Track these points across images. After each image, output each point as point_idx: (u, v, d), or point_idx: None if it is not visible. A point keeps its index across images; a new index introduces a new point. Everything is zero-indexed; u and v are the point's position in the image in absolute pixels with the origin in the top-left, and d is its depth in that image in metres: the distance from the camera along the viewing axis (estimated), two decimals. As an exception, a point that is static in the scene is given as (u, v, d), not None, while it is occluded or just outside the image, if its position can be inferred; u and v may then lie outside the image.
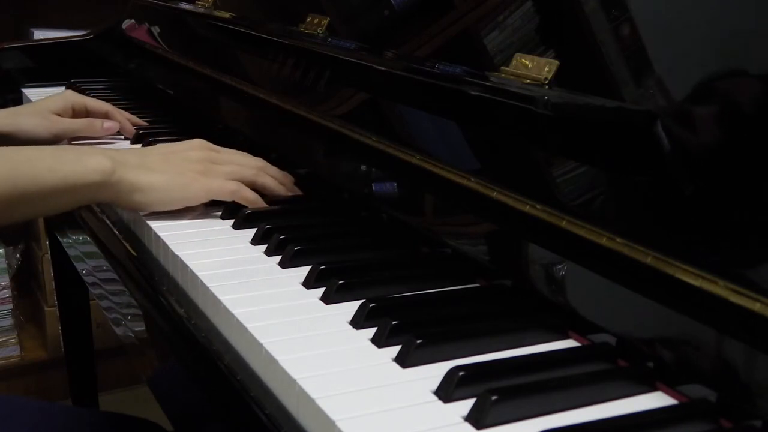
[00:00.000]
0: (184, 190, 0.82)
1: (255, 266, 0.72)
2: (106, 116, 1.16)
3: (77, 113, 1.16)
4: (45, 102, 1.15)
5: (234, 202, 0.85)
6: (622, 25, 0.66)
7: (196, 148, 0.87)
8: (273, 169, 0.90)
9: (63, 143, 1.15)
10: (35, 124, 1.11)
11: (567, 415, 0.51)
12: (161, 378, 0.81)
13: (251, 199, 0.84)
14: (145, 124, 1.19)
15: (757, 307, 0.49)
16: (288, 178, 0.91)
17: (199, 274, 0.70)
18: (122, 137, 1.17)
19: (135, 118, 1.19)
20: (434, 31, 0.85)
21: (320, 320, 0.62)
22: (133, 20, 1.60)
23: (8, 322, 2.05)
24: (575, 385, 0.53)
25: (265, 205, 0.85)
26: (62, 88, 1.47)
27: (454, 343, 0.57)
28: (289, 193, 0.89)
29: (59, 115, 1.13)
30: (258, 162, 0.89)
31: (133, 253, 0.83)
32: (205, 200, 0.84)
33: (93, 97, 1.36)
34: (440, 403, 0.51)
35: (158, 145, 0.89)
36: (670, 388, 0.53)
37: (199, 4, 1.39)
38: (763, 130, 0.55)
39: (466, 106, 0.76)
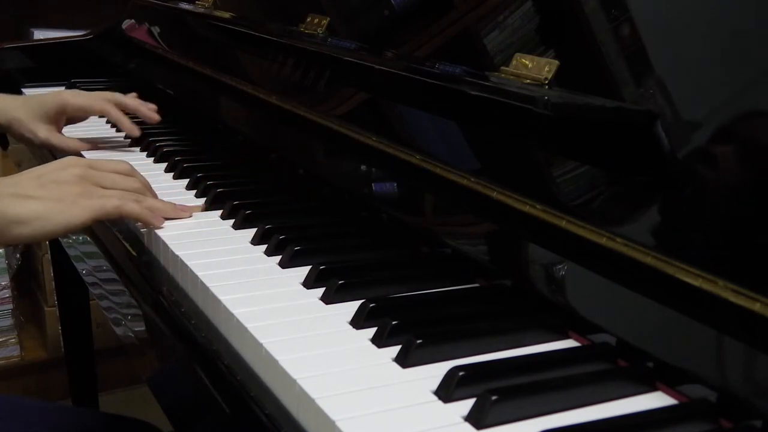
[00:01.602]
0: (66, 216, 0.76)
1: (255, 266, 0.72)
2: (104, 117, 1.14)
3: (74, 118, 1.15)
4: (38, 103, 1.11)
5: (233, 202, 0.85)
6: (622, 25, 0.66)
7: (68, 166, 0.80)
8: (150, 191, 0.84)
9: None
10: (33, 129, 1.09)
11: (567, 415, 0.51)
12: (161, 378, 0.81)
13: (137, 213, 0.79)
14: (153, 106, 1.13)
15: (757, 307, 0.49)
16: (170, 204, 0.84)
17: (199, 274, 0.70)
18: (122, 137, 1.17)
19: (148, 111, 1.12)
20: (434, 31, 0.85)
21: (320, 320, 0.62)
22: (133, 20, 1.60)
23: (8, 322, 2.05)
24: (575, 385, 0.53)
25: (161, 222, 0.81)
26: (62, 88, 1.47)
27: (454, 343, 0.57)
28: (175, 216, 0.83)
29: (52, 117, 1.11)
30: (134, 183, 0.83)
31: (133, 253, 0.83)
32: (89, 222, 0.78)
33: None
34: (440, 403, 0.51)
35: (28, 170, 0.81)
36: (670, 388, 0.53)
37: (199, 4, 1.39)
38: (763, 130, 0.55)
39: (466, 106, 0.76)
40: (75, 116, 1.15)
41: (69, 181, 0.78)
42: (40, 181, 0.78)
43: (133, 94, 1.16)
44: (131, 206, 0.79)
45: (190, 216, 0.85)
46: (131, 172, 0.85)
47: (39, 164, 0.88)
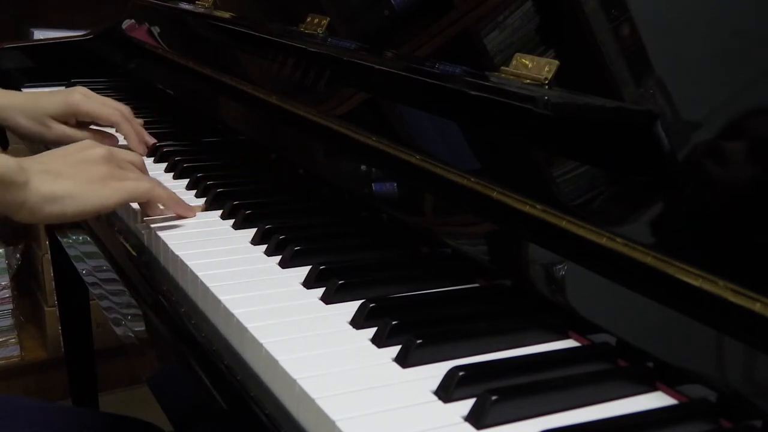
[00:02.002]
0: (98, 196, 0.77)
1: (255, 266, 0.72)
2: (113, 127, 1.09)
3: (82, 123, 1.11)
4: (46, 102, 1.06)
5: (233, 202, 0.85)
6: (622, 25, 0.66)
7: (93, 146, 0.81)
8: (163, 187, 0.84)
9: None
10: (30, 129, 1.05)
11: (567, 415, 0.51)
12: (161, 378, 0.81)
13: (165, 198, 0.81)
14: (154, 141, 1.10)
15: (757, 307, 0.49)
16: (175, 196, 0.85)
17: (199, 274, 0.70)
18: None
19: (140, 143, 1.08)
20: (434, 31, 0.85)
21: (320, 320, 0.62)
22: (133, 20, 1.60)
23: (8, 322, 2.05)
24: (575, 385, 0.53)
25: (192, 213, 0.83)
26: (62, 88, 1.47)
27: (454, 343, 0.57)
28: (183, 213, 0.84)
29: (60, 119, 1.06)
30: (151, 182, 0.84)
31: (133, 253, 0.83)
32: (121, 204, 0.80)
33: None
34: (440, 403, 0.51)
35: (50, 151, 0.82)
36: (670, 388, 0.53)
37: (199, 4, 1.39)
38: (763, 130, 0.55)
39: (466, 106, 0.76)
40: (83, 121, 1.12)
41: (96, 161, 0.79)
42: (67, 160, 0.78)
43: (140, 122, 1.12)
44: (160, 190, 0.81)
45: (194, 215, 0.85)
46: (142, 164, 0.87)
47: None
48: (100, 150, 0.81)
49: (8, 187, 0.72)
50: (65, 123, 1.08)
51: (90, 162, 0.79)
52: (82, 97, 1.07)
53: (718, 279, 0.51)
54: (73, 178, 0.77)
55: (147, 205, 0.83)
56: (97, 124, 1.11)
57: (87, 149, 0.81)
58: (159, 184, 0.84)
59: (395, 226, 0.79)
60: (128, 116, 1.09)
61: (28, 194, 0.73)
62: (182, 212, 0.84)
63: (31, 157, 0.80)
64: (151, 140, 1.09)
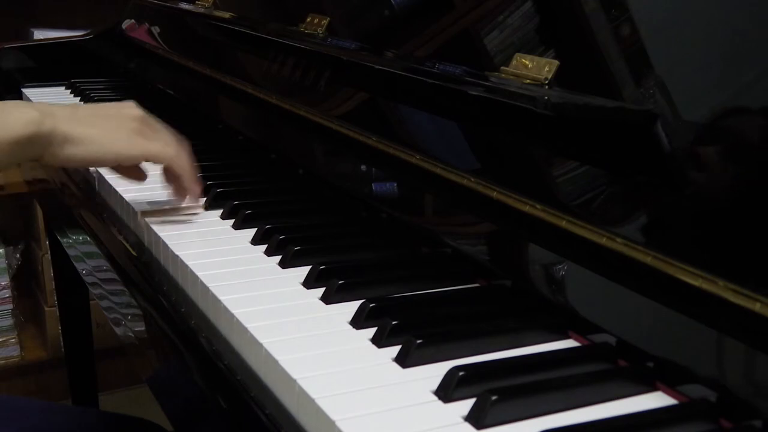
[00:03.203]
0: (119, 145, 0.79)
1: (255, 266, 0.72)
2: None
3: None
4: None
5: (234, 202, 0.85)
6: (622, 25, 0.66)
7: (130, 107, 0.83)
8: (187, 158, 0.86)
9: None
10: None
11: (567, 415, 0.51)
12: (161, 378, 0.81)
13: (187, 168, 0.82)
14: None
15: (757, 307, 0.49)
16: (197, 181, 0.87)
17: (199, 274, 0.70)
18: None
19: None
20: (434, 31, 0.85)
21: (320, 320, 0.62)
22: (133, 20, 1.60)
23: (8, 322, 2.05)
24: (575, 385, 0.53)
25: (198, 190, 0.84)
26: (62, 88, 1.48)
27: (454, 343, 0.57)
28: (194, 190, 0.85)
29: None
30: (177, 145, 0.85)
31: (133, 253, 0.83)
32: (140, 160, 0.82)
33: (92, 96, 1.37)
34: (440, 403, 0.51)
35: (91, 104, 0.86)
36: (670, 388, 0.53)
37: (199, 4, 1.39)
38: (763, 130, 0.55)
39: (466, 106, 0.76)
40: None
41: (127, 117, 0.81)
42: (97, 111, 0.81)
43: None
44: (184, 161, 0.81)
45: (198, 202, 0.86)
46: (175, 139, 0.86)
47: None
48: (135, 110, 0.82)
49: (33, 139, 0.75)
50: None
51: (120, 117, 0.81)
52: None
53: (718, 279, 0.51)
54: (97, 127, 0.79)
55: (165, 173, 0.84)
56: None
57: (122, 107, 0.83)
58: (185, 156, 0.84)
59: (395, 226, 0.79)
60: None
61: (51, 139, 0.76)
62: (194, 192, 0.85)
63: (62, 104, 0.82)
64: None
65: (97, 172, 0.99)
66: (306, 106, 0.96)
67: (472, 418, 0.49)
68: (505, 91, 0.71)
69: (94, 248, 0.95)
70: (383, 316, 0.60)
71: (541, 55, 0.71)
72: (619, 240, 0.57)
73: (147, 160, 0.83)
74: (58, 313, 1.78)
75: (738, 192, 0.55)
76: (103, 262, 0.91)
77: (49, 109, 0.78)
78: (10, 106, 0.78)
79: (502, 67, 0.73)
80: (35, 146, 0.76)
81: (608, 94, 0.66)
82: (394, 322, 0.58)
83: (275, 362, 0.56)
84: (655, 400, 0.53)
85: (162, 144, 0.82)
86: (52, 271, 1.80)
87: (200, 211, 0.87)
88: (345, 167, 0.90)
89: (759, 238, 0.52)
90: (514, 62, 0.72)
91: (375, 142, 0.83)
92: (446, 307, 0.65)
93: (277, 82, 1.05)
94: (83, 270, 1.11)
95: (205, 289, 0.68)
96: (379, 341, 0.58)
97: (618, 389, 0.53)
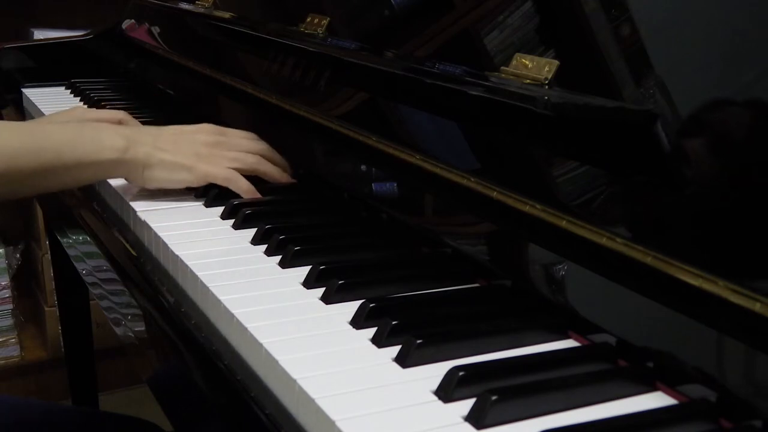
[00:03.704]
0: (187, 172, 0.87)
1: (255, 266, 0.72)
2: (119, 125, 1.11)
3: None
4: (55, 118, 1.09)
5: (233, 202, 0.85)
6: (622, 25, 0.66)
7: (204, 132, 0.91)
8: (276, 156, 0.94)
9: None
10: None
11: (567, 415, 0.51)
12: (161, 378, 0.81)
13: (244, 188, 0.88)
14: None
15: (757, 307, 0.49)
16: (286, 165, 0.95)
17: (199, 274, 0.70)
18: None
19: None
20: (434, 31, 0.85)
21: (320, 320, 0.62)
22: (133, 20, 1.60)
23: (8, 322, 2.05)
24: (575, 385, 0.53)
25: (259, 196, 0.88)
26: (62, 88, 1.48)
27: (454, 343, 0.57)
28: (288, 180, 0.93)
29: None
30: (261, 147, 0.93)
31: (133, 253, 0.83)
32: (203, 183, 0.88)
33: (92, 96, 1.37)
34: (440, 403, 0.51)
35: (170, 126, 0.93)
36: (670, 388, 0.53)
37: (199, 4, 1.39)
38: (763, 130, 0.55)
39: (466, 106, 0.76)
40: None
41: (201, 143, 0.89)
42: (175, 138, 0.89)
43: None
44: (240, 183, 0.88)
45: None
46: (258, 140, 0.95)
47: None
48: (206, 137, 0.91)
49: (115, 164, 0.85)
50: None
51: (194, 142, 0.89)
52: (83, 109, 1.14)
53: (718, 279, 0.51)
54: (171, 153, 0.87)
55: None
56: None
57: (196, 133, 0.91)
58: (264, 155, 0.93)
59: (395, 226, 0.79)
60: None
61: (132, 165, 0.86)
62: (280, 180, 0.92)
63: (149, 128, 0.92)
64: None
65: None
66: (306, 106, 0.96)
67: (472, 418, 0.49)
68: (505, 91, 0.71)
69: (94, 248, 0.95)
70: (383, 316, 0.60)
71: (541, 55, 0.71)
72: (619, 240, 0.57)
73: (212, 182, 0.89)
74: (58, 313, 1.78)
75: (738, 192, 0.55)
76: (103, 262, 0.91)
77: (136, 136, 0.87)
78: (102, 131, 0.87)
79: (502, 67, 0.73)
80: (117, 170, 0.87)
81: (608, 94, 0.66)
82: (394, 322, 0.58)
83: (275, 362, 0.56)
84: (655, 400, 0.53)
85: (220, 168, 0.88)
86: (52, 271, 1.80)
87: (201, 210, 0.87)
88: (345, 167, 0.90)
89: (759, 238, 0.52)
90: (514, 62, 0.72)
91: (375, 142, 0.83)
92: (446, 307, 0.65)
93: (277, 82, 1.05)
94: (83, 270, 1.11)
95: (205, 289, 0.68)
96: (379, 341, 0.58)
97: (618, 389, 0.53)
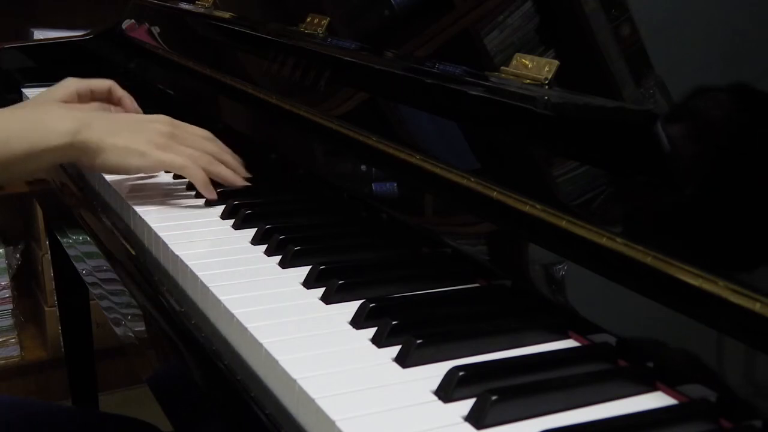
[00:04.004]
0: (141, 158, 0.86)
1: (255, 266, 0.72)
2: (109, 92, 1.13)
3: (82, 97, 1.14)
4: (49, 93, 1.12)
5: (233, 202, 0.85)
6: (622, 25, 0.66)
7: (160, 122, 0.90)
8: (229, 158, 0.93)
9: None
10: None
11: (567, 415, 0.51)
12: (161, 378, 0.81)
13: (200, 179, 0.87)
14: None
15: (757, 307, 0.49)
16: (240, 168, 0.93)
17: (199, 274, 0.70)
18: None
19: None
20: (434, 31, 0.85)
21: (320, 320, 0.62)
22: (133, 20, 1.60)
23: (8, 322, 2.05)
24: (575, 385, 0.53)
25: (213, 190, 0.88)
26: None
27: (454, 343, 0.57)
28: (241, 183, 0.91)
29: (66, 102, 1.11)
30: (215, 147, 0.92)
31: (133, 253, 0.83)
32: (157, 170, 0.90)
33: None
34: (440, 403, 0.51)
35: (124, 113, 0.94)
36: (670, 388, 0.53)
37: (199, 4, 1.39)
38: (763, 131, 0.55)
39: (466, 106, 0.76)
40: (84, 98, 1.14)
41: (156, 132, 0.88)
42: (131, 125, 0.88)
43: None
44: (196, 172, 0.87)
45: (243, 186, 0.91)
46: (212, 138, 0.94)
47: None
48: (162, 126, 0.89)
49: (66, 148, 0.83)
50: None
51: (150, 131, 0.88)
52: (75, 78, 1.13)
53: (718, 279, 0.51)
54: (125, 139, 0.86)
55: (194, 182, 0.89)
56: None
57: (153, 122, 0.90)
58: (217, 155, 0.91)
59: (395, 226, 0.79)
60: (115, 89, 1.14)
61: (84, 149, 0.84)
62: (235, 184, 0.91)
63: (102, 113, 0.93)
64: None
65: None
66: (306, 106, 0.96)
67: (472, 418, 0.49)
68: (505, 91, 0.71)
69: (94, 248, 0.95)
70: (383, 316, 0.60)
71: (541, 55, 0.71)
72: (619, 240, 0.57)
73: (166, 171, 0.90)
74: (58, 313, 1.78)
75: (738, 192, 0.55)
76: (103, 262, 0.91)
77: (88, 119, 0.86)
78: (53, 115, 0.86)
79: (502, 67, 0.73)
80: (68, 154, 0.85)
81: (608, 94, 0.66)
82: (394, 322, 0.58)
83: (275, 362, 0.56)
84: (655, 400, 0.53)
85: (175, 155, 0.87)
86: (52, 271, 1.80)
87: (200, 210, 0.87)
88: (345, 167, 0.90)
89: (759, 238, 0.52)
90: (514, 62, 0.72)
91: (375, 142, 0.83)
92: (446, 307, 0.65)
93: (277, 82, 1.05)
94: (83, 270, 1.11)
95: (205, 289, 0.68)
96: (379, 341, 0.58)
97: (618, 389, 0.53)
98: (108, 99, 1.12)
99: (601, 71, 0.67)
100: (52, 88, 1.13)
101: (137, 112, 1.13)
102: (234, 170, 0.92)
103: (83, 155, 0.85)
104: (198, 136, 0.92)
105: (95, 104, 1.11)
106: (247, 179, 0.97)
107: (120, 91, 1.13)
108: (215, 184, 0.89)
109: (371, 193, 0.83)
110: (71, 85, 1.12)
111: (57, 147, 0.83)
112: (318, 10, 1.04)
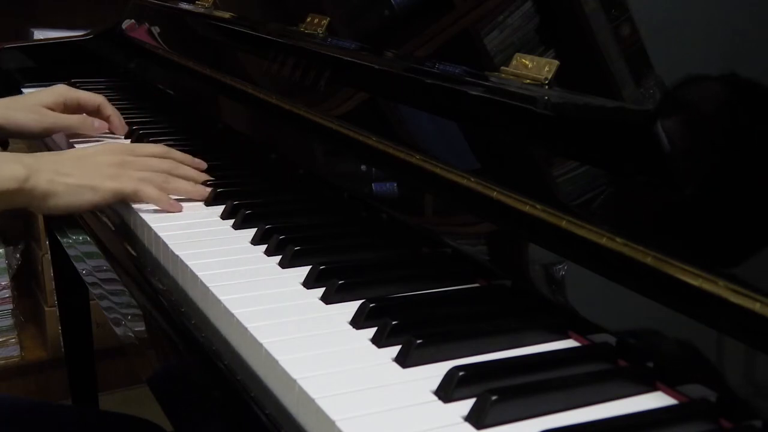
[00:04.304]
0: (92, 192, 0.85)
1: (255, 266, 0.72)
2: (98, 110, 1.14)
3: (69, 108, 1.15)
4: (37, 95, 1.13)
5: (233, 202, 0.85)
6: (622, 25, 0.66)
7: (107, 152, 0.89)
8: (188, 170, 0.92)
9: (56, 137, 1.15)
10: (26, 118, 1.09)
11: (567, 415, 0.51)
12: (161, 378, 0.81)
13: (155, 197, 0.86)
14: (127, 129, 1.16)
15: (757, 307, 0.49)
16: (201, 177, 0.92)
17: (199, 274, 0.70)
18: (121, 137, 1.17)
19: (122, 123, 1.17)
20: (434, 31, 0.85)
21: (320, 320, 0.62)
22: (133, 20, 1.60)
23: (8, 322, 2.05)
24: (575, 385, 0.53)
25: (176, 205, 0.87)
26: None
27: (454, 343, 0.57)
28: (202, 197, 0.89)
29: (51, 108, 1.11)
30: (169, 164, 0.91)
31: (133, 253, 0.83)
32: (110, 201, 0.87)
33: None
34: (440, 403, 0.51)
35: (70, 150, 0.92)
36: (670, 388, 0.53)
37: (199, 4, 1.39)
38: (763, 131, 0.55)
39: (466, 106, 0.76)
40: (71, 109, 1.15)
41: (105, 164, 0.87)
42: (79, 161, 0.87)
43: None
44: (148, 191, 0.86)
45: (204, 198, 0.90)
46: (166, 154, 0.93)
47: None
48: (112, 157, 0.88)
49: (16, 193, 0.82)
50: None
51: (99, 164, 0.87)
52: (66, 87, 1.16)
53: (718, 279, 0.51)
54: (75, 177, 0.84)
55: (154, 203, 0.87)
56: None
57: (101, 154, 0.89)
58: (171, 173, 0.90)
59: (395, 226, 0.79)
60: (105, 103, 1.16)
61: (34, 193, 0.83)
62: (195, 197, 0.90)
63: (49, 154, 0.89)
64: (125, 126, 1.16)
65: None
66: (306, 106, 0.96)
67: (472, 418, 0.49)
68: (505, 91, 0.71)
69: (94, 248, 0.95)
70: (383, 316, 0.60)
71: (541, 55, 0.71)
72: (619, 240, 0.57)
73: (123, 200, 0.87)
74: (58, 313, 1.78)
75: (738, 192, 0.55)
76: (103, 262, 0.91)
77: (36, 163, 0.84)
78: (1, 161, 0.83)
79: (502, 67, 0.73)
80: (18, 199, 0.83)
81: (608, 94, 0.66)
82: (394, 322, 0.58)
83: (275, 362, 0.56)
84: (655, 400, 0.53)
85: (126, 182, 0.86)
86: (52, 271, 1.80)
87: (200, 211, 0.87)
88: (345, 167, 0.90)
89: (759, 238, 0.52)
90: (514, 62, 0.72)
91: (375, 142, 0.83)
92: (446, 307, 0.65)
93: (277, 82, 1.05)
94: (83, 270, 1.11)
95: (205, 289, 0.68)
96: (379, 341, 0.58)
97: (618, 389, 0.53)
98: (95, 114, 1.14)
99: (601, 71, 0.67)
100: (40, 91, 1.15)
101: (123, 131, 1.15)
102: (194, 179, 0.91)
103: (33, 200, 0.83)
104: (151, 155, 0.91)
105: (79, 117, 1.13)
106: (247, 179, 0.98)
107: (109, 110, 1.15)
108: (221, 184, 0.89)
109: (371, 193, 0.83)
110: (61, 93, 1.13)
111: (5, 192, 0.81)
112: (318, 10, 1.04)
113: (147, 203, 0.86)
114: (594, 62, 0.68)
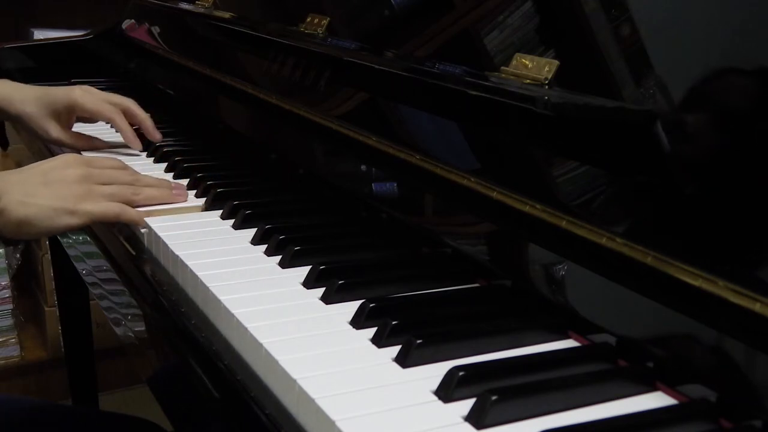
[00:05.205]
0: (70, 216, 0.82)
1: (255, 266, 0.72)
2: (126, 111, 1.11)
3: (83, 118, 1.14)
4: (53, 94, 1.10)
5: (233, 202, 0.85)
6: (622, 25, 0.66)
7: (71, 165, 0.86)
8: (150, 179, 0.90)
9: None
10: (38, 116, 1.08)
11: (567, 415, 0.51)
12: (161, 378, 0.81)
13: (135, 218, 0.84)
14: (160, 136, 1.12)
15: (757, 307, 0.49)
16: (162, 183, 0.90)
17: (199, 274, 0.70)
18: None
19: (153, 128, 1.12)
20: (434, 31, 0.85)
21: (320, 320, 0.62)
22: (133, 20, 1.60)
23: (8, 322, 2.05)
24: (575, 385, 0.53)
25: (144, 224, 0.85)
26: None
27: (454, 343, 0.57)
28: (170, 199, 0.88)
29: (62, 113, 1.09)
30: (131, 176, 0.89)
31: (133, 253, 0.83)
32: (88, 224, 0.85)
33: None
34: (440, 403, 0.51)
35: (31, 167, 0.87)
36: (670, 388, 0.53)
37: (199, 4, 1.39)
38: (763, 131, 0.55)
39: (466, 106, 0.76)
40: (83, 117, 1.14)
41: (73, 180, 0.84)
42: (46, 179, 0.83)
43: (146, 115, 1.14)
44: (131, 214, 0.84)
45: (186, 200, 0.89)
46: (124, 166, 0.91)
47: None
48: (78, 170, 0.85)
49: None
50: (67, 121, 1.11)
51: (67, 181, 0.84)
52: (82, 93, 1.10)
53: (717, 279, 0.51)
54: (47, 199, 0.82)
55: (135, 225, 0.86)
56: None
57: (66, 167, 0.85)
58: (136, 183, 0.88)
59: (395, 226, 0.79)
60: (129, 106, 1.11)
61: (4, 223, 0.81)
62: (169, 201, 0.88)
63: (9, 175, 0.85)
64: (157, 135, 1.11)
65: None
66: (306, 106, 0.96)
67: (472, 418, 0.49)
68: (505, 91, 0.71)
69: (94, 248, 0.95)
70: (383, 316, 0.60)
71: (541, 55, 0.71)
72: (619, 240, 0.57)
73: (99, 221, 0.86)
74: (58, 313, 1.78)
75: (738, 192, 0.55)
76: (103, 262, 0.91)
77: (4, 187, 0.81)
78: None
79: (502, 67, 0.73)
80: None
81: (608, 94, 0.66)
82: (394, 322, 0.59)
83: (275, 362, 0.56)
84: (655, 400, 0.53)
85: (104, 204, 0.84)
86: (52, 271, 1.80)
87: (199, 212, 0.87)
88: (345, 167, 0.90)
89: (759, 239, 0.52)
90: (514, 62, 0.72)
91: (375, 142, 0.83)
92: (446, 307, 0.65)
93: (277, 82, 1.05)
94: (83, 270, 1.11)
95: (205, 289, 0.68)
96: (379, 341, 0.58)
97: (618, 389, 0.53)
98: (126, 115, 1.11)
99: (601, 71, 0.67)
100: (59, 93, 1.10)
101: (157, 137, 1.11)
102: (155, 185, 0.89)
103: (5, 227, 0.81)
104: (111, 168, 0.89)
105: (78, 142, 1.10)
106: (247, 179, 0.98)
107: (141, 114, 1.11)
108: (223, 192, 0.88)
109: (371, 193, 0.83)
110: (81, 94, 1.09)
111: None
112: (318, 10, 1.04)
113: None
114: (594, 62, 0.68)
